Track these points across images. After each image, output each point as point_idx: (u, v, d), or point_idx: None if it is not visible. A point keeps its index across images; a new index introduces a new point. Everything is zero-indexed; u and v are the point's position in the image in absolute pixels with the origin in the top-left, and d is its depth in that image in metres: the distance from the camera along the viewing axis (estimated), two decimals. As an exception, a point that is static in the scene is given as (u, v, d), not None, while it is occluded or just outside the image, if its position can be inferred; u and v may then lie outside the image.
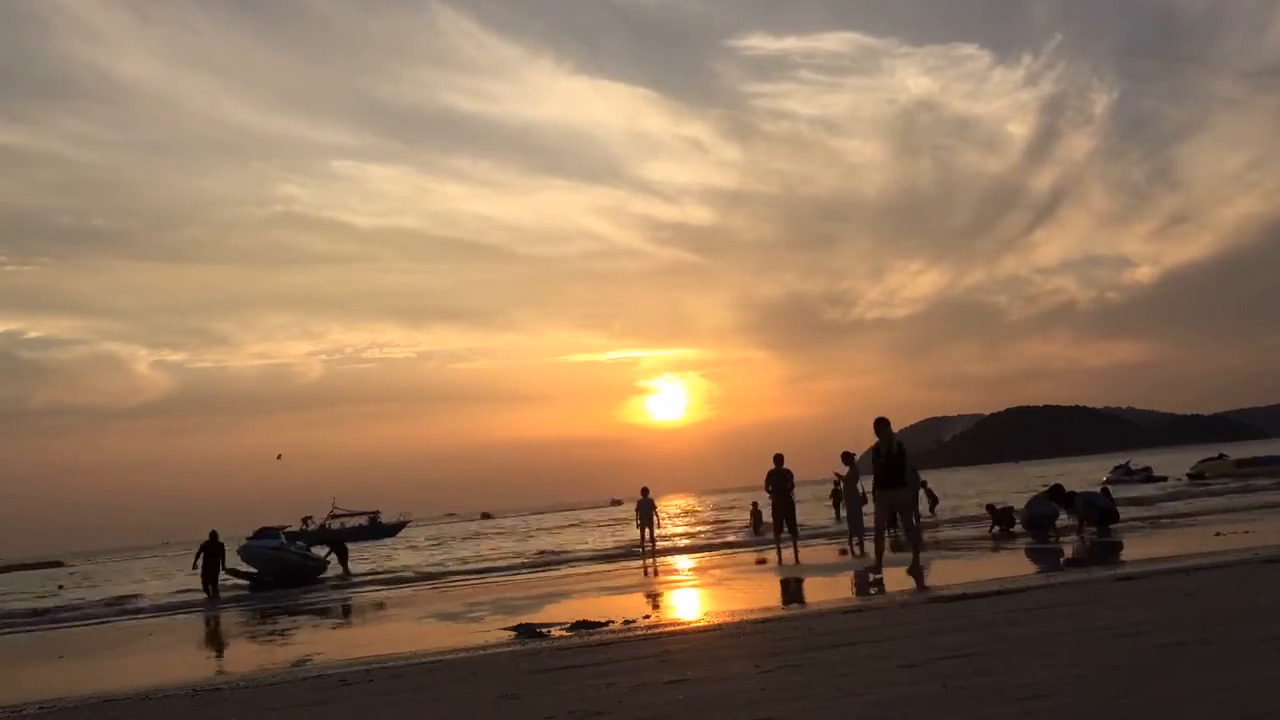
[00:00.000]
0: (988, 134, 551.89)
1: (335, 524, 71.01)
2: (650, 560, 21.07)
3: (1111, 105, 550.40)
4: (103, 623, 18.05)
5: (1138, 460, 56.05)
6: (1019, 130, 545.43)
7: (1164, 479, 39.53)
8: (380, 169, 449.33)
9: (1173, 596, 7.11)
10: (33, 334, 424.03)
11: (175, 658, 11.87)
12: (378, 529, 70.91)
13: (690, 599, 12.56)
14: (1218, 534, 13.51)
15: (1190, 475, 37.80)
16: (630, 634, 8.60)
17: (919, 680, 4.60)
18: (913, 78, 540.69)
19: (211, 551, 22.61)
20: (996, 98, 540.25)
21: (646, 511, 23.30)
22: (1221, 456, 38.96)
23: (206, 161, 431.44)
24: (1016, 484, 49.38)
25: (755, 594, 11.77)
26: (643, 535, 23.25)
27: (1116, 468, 44.76)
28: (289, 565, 24.37)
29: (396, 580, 22.39)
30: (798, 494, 18.38)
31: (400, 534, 70.26)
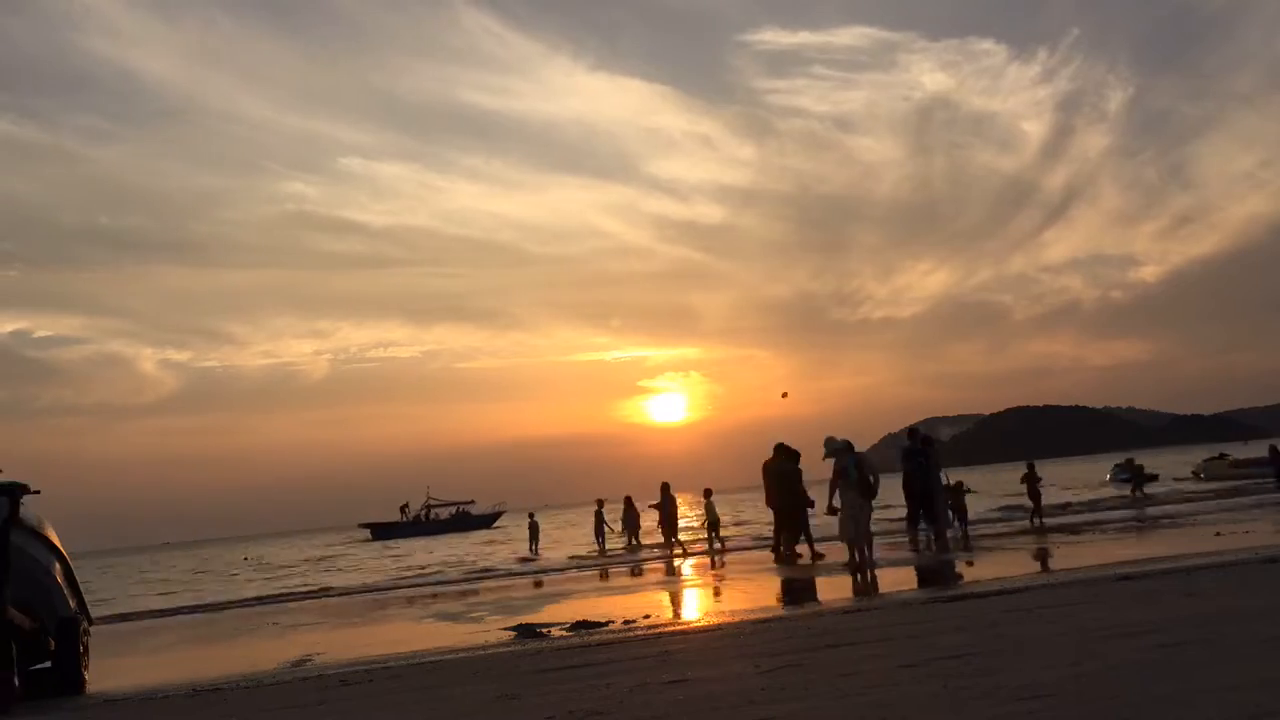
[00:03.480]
0: (1002, 131, 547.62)
1: (432, 514, 71.76)
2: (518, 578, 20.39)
3: (1127, 102, 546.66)
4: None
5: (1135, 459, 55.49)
6: (1033, 128, 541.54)
7: (1154, 477, 39.25)
8: (393, 167, 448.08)
9: (1173, 596, 7.10)
10: (41, 333, 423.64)
11: (174, 657, 11.88)
12: (471, 520, 69.95)
13: (690, 599, 12.57)
14: (1218, 534, 13.52)
15: (1193, 475, 37.67)
16: (630, 634, 8.60)
17: (919, 680, 4.60)
18: (928, 74, 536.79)
19: None
20: (1012, 94, 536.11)
21: (534, 532, 27.55)
22: (1222, 456, 38.80)
23: (218, 159, 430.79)
24: (1011, 485, 49.34)
25: (755, 594, 11.78)
26: (531, 551, 26.68)
27: (1117, 466, 44.33)
28: None
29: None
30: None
31: (495, 525, 68.88)
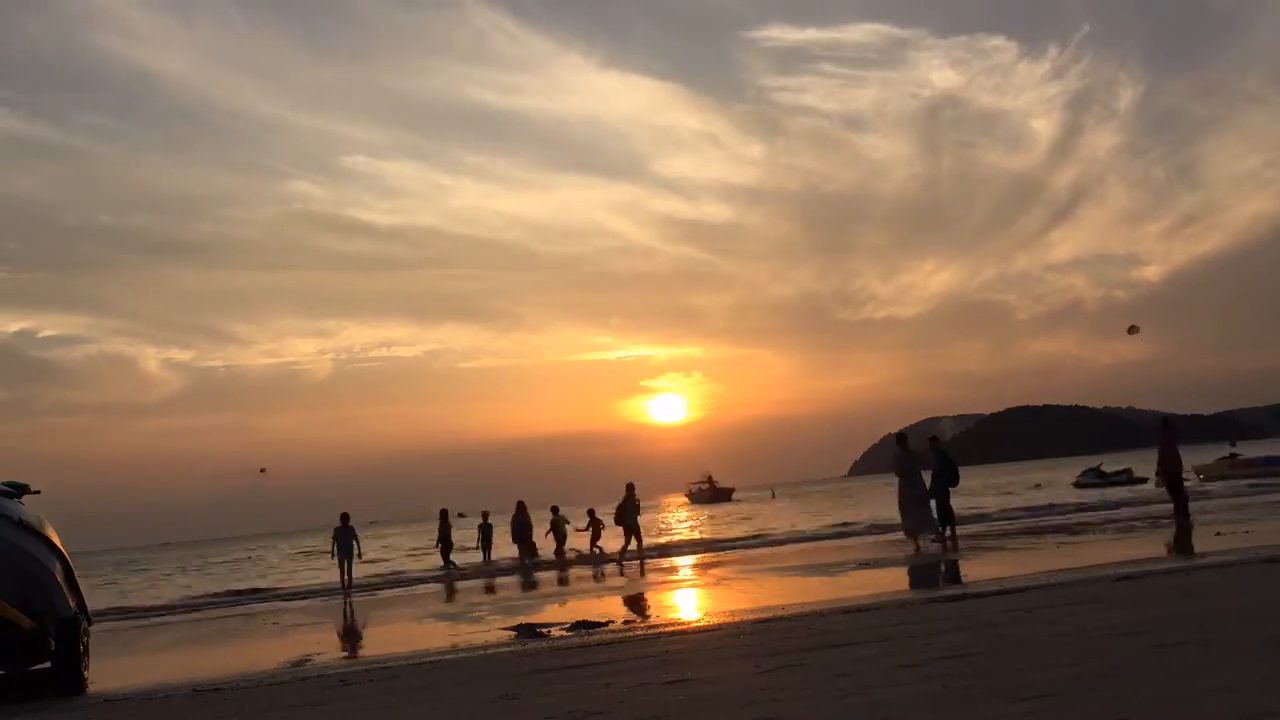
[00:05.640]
0: (1011, 130, 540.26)
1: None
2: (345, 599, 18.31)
3: (1137, 100, 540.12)
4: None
5: (1125, 460, 54.72)
6: (1042, 126, 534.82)
7: (1143, 480, 38.76)
8: (400, 166, 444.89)
9: (1173, 596, 7.11)
10: (45, 333, 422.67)
11: (174, 657, 11.87)
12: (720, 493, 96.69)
13: (690, 599, 12.57)
14: (1218, 534, 13.51)
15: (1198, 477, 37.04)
16: (630, 634, 8.60)
17: (919, 680, 4.60)
18: (937, 71, 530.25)
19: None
20: (1021, 92, 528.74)
21: (345, 542, 19.85)
22: (1233, 455, 37.75)
23: (225, 158, 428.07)
24: (1008, 485, 49.42)
25: (755, 594, 11.78)
26: (341, 571, 19.91)
27: (1086, 471, 43.64)
28: None
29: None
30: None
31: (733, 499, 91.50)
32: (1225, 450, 39.23)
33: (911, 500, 16.31)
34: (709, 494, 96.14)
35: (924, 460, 16.77)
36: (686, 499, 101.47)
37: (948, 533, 16.22)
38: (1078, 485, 39.71)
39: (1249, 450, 43.03)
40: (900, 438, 17.42)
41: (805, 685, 4.79)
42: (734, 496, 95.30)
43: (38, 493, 9.04)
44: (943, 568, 13.13)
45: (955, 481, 16.40)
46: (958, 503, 17.47)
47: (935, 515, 16.25)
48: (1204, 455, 40.86)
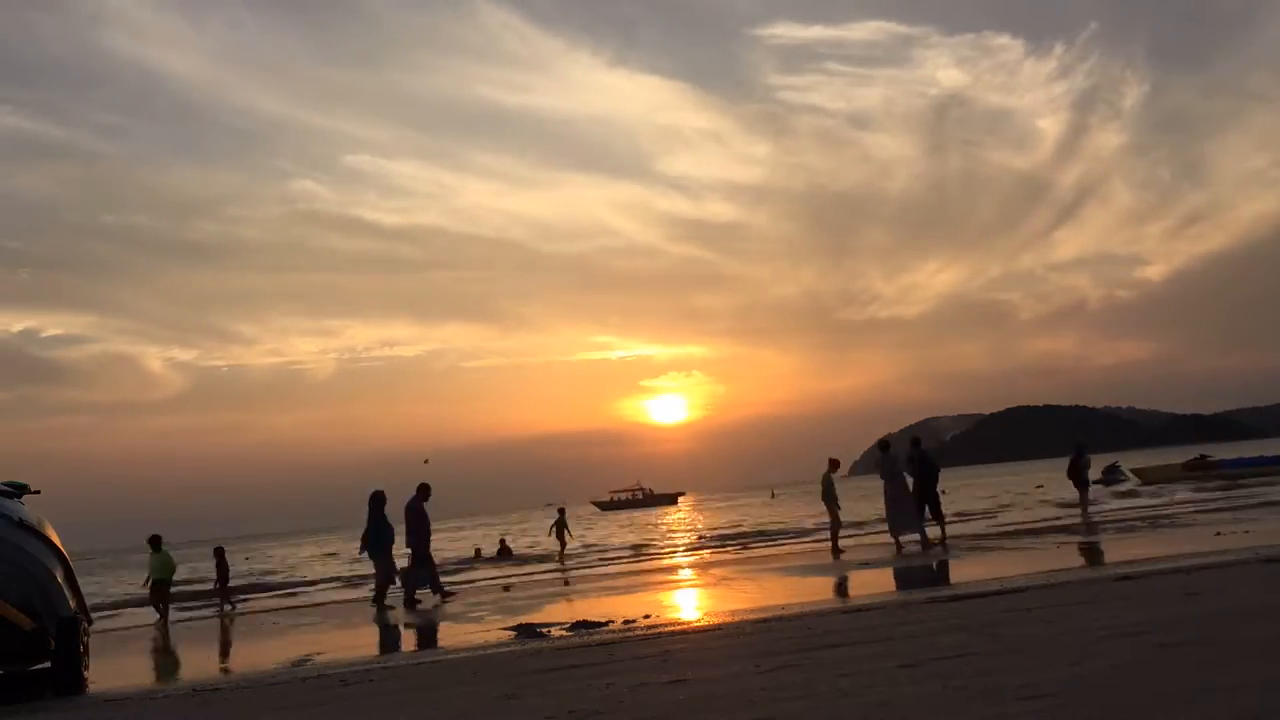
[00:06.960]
0: (1016, 129, 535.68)
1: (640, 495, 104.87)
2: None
3: (1142, 99, 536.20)
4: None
5: (1131, 460, 54.51)
6: (1048, 125, 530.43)
7: (1125, 479, 38.62)
8: (406, 165, 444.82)
9: (1173, 596, 7.11)
10: (49, 332, 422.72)
11: (174, 657, 11.88)
12: (661, 498, 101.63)
13: (690, 599, 12.57)
14: (1218, 534, 13.52)
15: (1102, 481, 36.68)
16: (630, 634, 8.60)
17: (919, 680, 4.60)
18: (943, 69, 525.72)
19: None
20: (1028, 91, 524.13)
21: (221, 566, 19.36)
22: (1202, 457, 37.61)
23: (231, 157, 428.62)
24: (1007, 485, 49.41)
25: (755, 594, 11.78)
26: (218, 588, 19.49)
27: (1107, 468, 43.77)
28: None
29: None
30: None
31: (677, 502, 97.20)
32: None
33: (893, 501, 16.58)
34: (640, 500, 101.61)
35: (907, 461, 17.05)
36: (595, 507, 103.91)
37: (938, 532, 16.49)
38: (1106, 483, 39.38)
39: (1250, 451, 42.91)
40: (883, 444, 17.84)
41: (805, 685, 4.79)
42: (678, 500, 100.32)
43: (37, 493, 9.04)
44: (942, 568, 13.12)
45: (934, 479, 16.79)
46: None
47: (923, 515, 16.52)
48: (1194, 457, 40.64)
